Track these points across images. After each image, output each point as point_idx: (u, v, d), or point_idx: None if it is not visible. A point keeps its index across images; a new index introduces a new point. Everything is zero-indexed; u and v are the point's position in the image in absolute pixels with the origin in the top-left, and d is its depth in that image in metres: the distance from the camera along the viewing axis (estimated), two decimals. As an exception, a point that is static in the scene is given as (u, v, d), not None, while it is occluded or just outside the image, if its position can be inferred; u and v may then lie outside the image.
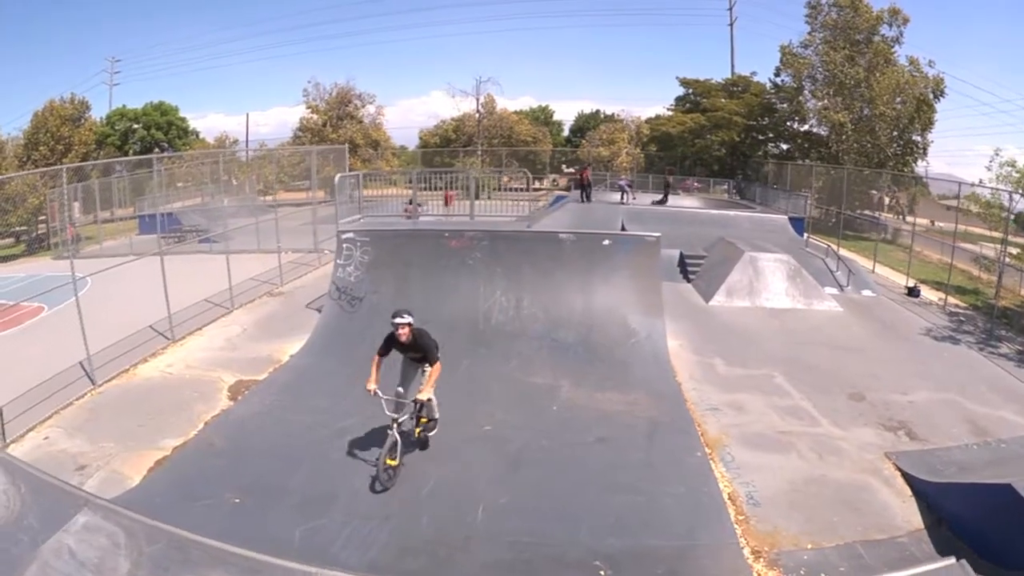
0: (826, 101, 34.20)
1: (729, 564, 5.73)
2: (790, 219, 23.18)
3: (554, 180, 47.36)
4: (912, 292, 16.69)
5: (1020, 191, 16.58)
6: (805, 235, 21.86)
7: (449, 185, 19.71)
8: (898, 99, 32.80)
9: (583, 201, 26.14)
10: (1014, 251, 16.85)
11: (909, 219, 29.75)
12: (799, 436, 8.23)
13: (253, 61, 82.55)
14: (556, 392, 9.32)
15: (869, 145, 33.28)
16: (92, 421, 8.65)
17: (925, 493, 6.83)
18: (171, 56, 76.17)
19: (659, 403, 8.95)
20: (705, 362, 10.80)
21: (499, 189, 28.88)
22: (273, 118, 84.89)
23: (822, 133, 36.37)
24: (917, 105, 32.96)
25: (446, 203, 18.84)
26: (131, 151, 42.13)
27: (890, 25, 33.94)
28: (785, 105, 39.49)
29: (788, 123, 40.51)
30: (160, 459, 7.54)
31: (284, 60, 78.68)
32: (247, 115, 51.19)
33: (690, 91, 46.32)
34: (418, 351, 6.89)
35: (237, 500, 6.54)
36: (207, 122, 66.51)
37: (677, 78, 46.78)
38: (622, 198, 27.91)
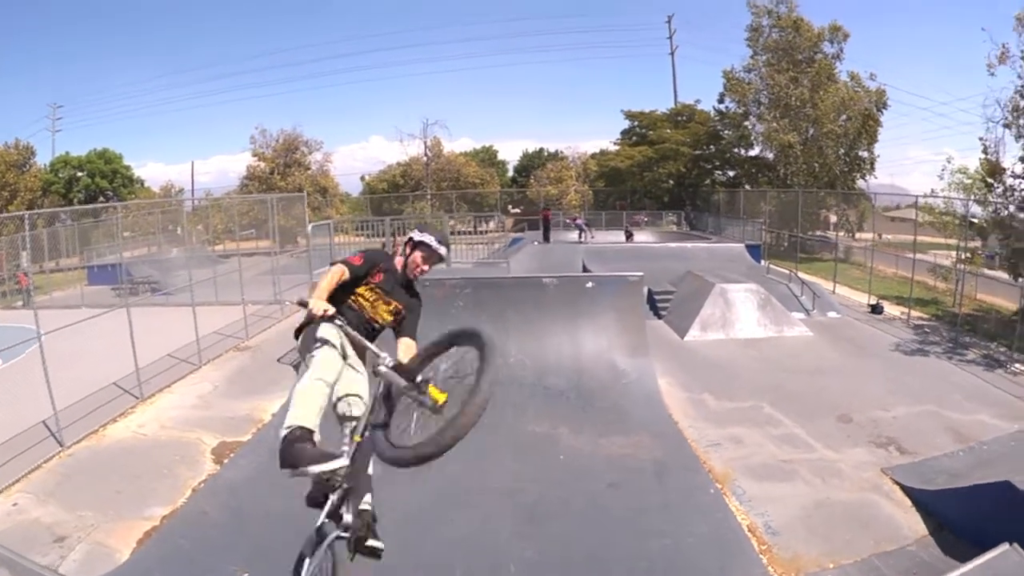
0: (773, 124, 34.25)
1: (762, 595, 5.75)
2: (746, 246, 23.83)
3: (500, 222, 42.57)
4: (875, 309, 17.30)
5: (973, 197, 17.21)
6: (763, 261, 22.53)
7: (399, 232, 19.50)
8: (843, 116, 33.21)
9: (544, 241, 26.40)
10: (966, 255, 17.50)
11: (860, 236, 30.40)
12: (799, 463, 8.43)
13: (191, 109, 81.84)
14: (557, 440, 9.17)
15: (817, 166, 33.51)
16: (64, 486, 8.07)
17: (924, 502, 7.19)
18: (108, 103, 74.47)
19: (662, 443, 8.93)
20: (695, 398, 10.85)
21: (452, 233, 28.86)
22: (214, 166, 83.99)
23: (769, 157, 36.62)
24: (863, 120, 33.49)
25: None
26: (76, 199, 40.47)
27: (831, 42, 34.55)
28: (731, 131, 39.70)
29: (735, 149, 40.62)
30: (148, 530, 7.08)
31: (222, 108, 78.31)
32: (192, 163, 50.18)
33: (635, 124, 46.62)
34: (402, 308, 3.75)
35: (246, 574, 6.18)
36: (147, 171, 64.84)
37: (622, 111, 47.34)
38: (580, 237, 28.35)
